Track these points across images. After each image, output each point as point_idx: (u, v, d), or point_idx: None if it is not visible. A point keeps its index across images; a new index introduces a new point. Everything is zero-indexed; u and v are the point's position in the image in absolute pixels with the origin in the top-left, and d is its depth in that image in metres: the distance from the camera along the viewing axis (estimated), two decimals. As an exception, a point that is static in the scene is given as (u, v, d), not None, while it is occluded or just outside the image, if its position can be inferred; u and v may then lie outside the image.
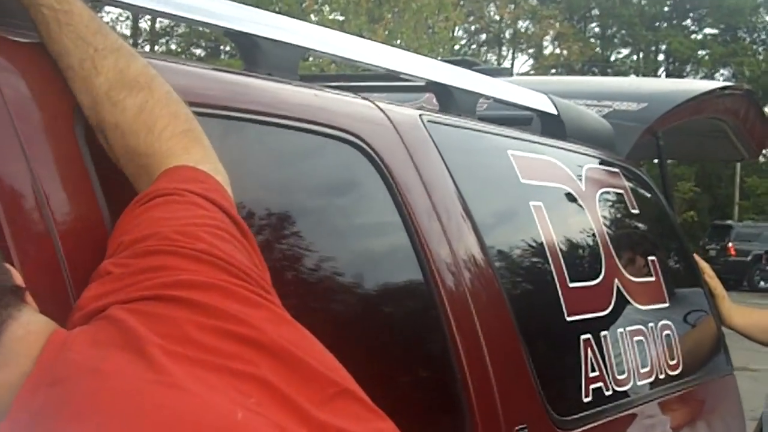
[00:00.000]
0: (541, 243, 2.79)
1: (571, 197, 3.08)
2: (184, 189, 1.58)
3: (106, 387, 1.24)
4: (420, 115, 2.62)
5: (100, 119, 1.65)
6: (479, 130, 2.93)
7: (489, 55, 49.38)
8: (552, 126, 3.41)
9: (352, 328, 2.17)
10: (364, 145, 2.29)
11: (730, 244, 32.83)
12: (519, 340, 2.51)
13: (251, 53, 2.27)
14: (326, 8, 31.00)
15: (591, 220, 3.10)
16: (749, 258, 31.87)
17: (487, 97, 3.25)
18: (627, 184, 3.51)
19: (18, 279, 1.35)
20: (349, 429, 1.33)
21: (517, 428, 2.38)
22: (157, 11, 2.07)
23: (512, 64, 48.54)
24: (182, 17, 2.12)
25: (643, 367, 3.07)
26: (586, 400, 2.74)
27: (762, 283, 30.44)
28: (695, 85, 4.21)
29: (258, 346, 1.36)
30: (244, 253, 1.54)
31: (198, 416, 1.23)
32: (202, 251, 1.46)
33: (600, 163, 3.45)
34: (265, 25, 2.27)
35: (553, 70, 45.93)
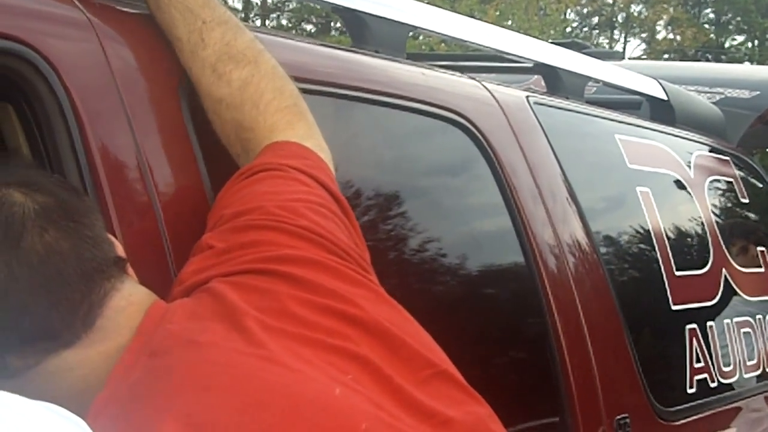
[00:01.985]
0: (648, 230, 2.75)
1: (679, 184, 3.03)
2: (288, 165, 1.57)
3: (203, 359, 1.24)
4: (527, 97, 2.59)
5: (206, 92, 1.66)
6: (587, 114, 2.89)
7: (601, 38, 48.89)
8: (661, 111, 3.37)
9: (452, 310, 2.16)
10: (470, 126, 2.27)
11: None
12: (623, 328, 2.47)
13: (359, 30, 2.26)
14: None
15: (699, 208, 3.04)
16: None
17: (596, 81, 3.21)
18: (737, 172, 3.43)
19: (120, 250, 1.36)
20: (443, 410, 1.31)
21: (618, 418, 2.34)
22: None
23: (624, 49, 48.03)
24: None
25: (750, 359, 3.01)
26: (690, 391, 2.69)
27: None
28: (816, 73, 4.10)
29: (357, 323, 1.35)
30: (344, 231, 1.53)
31: (293, 390, 1.21)
32: (304, 228, 1.45)
33: (710, 151, 3.38)
34: (373, 1, 2.25)
35: (666, 56, 45.34)
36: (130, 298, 1.32)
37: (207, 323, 1.28)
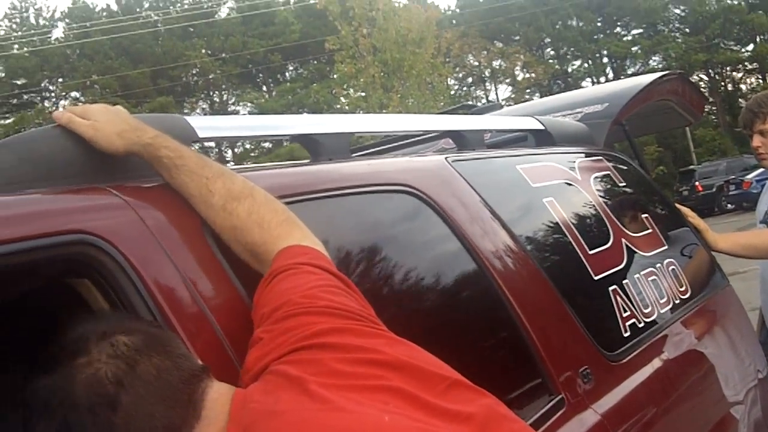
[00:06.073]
0: (560, 226, 2.78)
1: (572, 187, 3.08)
2: (297, 263, 1.62)
3: (283, 422, 1.27)
4: (446, 158, 2.64)
5: (222, 226, 1.70)
6: (490, 157, 2.95)
7: (477, 91, 49.37)
8: (543, 138, 3.42)
9: (440, 320, 2.19)
10: (411, 189, 2.32)
11: (696, 183, 32.99)
12: (563, 302, 2.50)
13: (315, 147, 2.31)
14: (351, 91, 31.34)
15: (592, 200, 3.09)
16: (714, 189, 31.83)
17: (490, 130, 3.28)
18: (610, 164, 3.50)
19: (198, 359, 1.40)
20: (465, 410, 1.35)
21: (581, 370, 2.38)
22: (240, 137, 2.13)
23: (496, 94, 48.45)
24: (260, 135, 2.17)
25: (661, 298, 3.05)
26: (626, 335, 2.72)
27: (728, 206, 30.10)
28: (641, 80, 4.19)
29: (384, 364, 1.39)
30: (352, 299, 1.57)
31: (357, 427, 1.25)
32: (324, 306, 1.50)
33: (586, 156, 3.44)
34: (320, 125, 2.32)
35: (528, 90, 45.89)
36: (219, 391, 1.36)
37: (278, 395, 1.32)
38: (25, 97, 47.44)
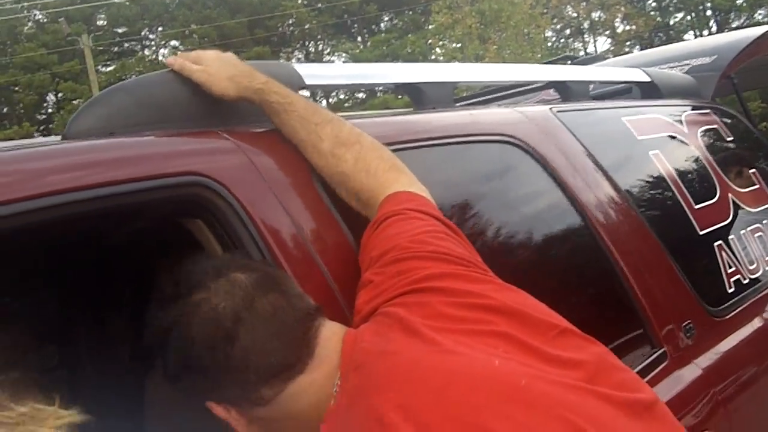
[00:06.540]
0: (665, 179, 2.74)
1: (679, 141, 3.01)
2: (404, 208, 1.62)
3: (394, 362, 1.28)
4: (550, 108, 2.60)
5: (330, 171, 1.72)
6: (597, 108, 2.90)
7: (576, 44, 48.36)
8: (649, 91, 3.36)
9: (546, 271, 2.19)
10: (515, 141, 2.30)
11: (802, 135, 31.63)
12: (667, 257, 2.46)
13: (418, 96, 2.30)
14: (446, 42, 31.14)
15: (699, 154, 3.02)
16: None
17: (595, 82, 3.22)
18: (718, 119, 3.40)
19: (311, 300, 1.42)
20: (574, 357, 1.33)
21: (683, 324, 2.34)
22: (346, 84, 2.13)
23: (595, 46, 47.39)
24: (366, 84, 2.17)
25: (767, 255, 2.97)
26: (730, 291, 2.67)
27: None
28: (751, 32, 4.04)
29: (493, 310, 1.39)
30: (459, 245, 1.57)
31: (467, 370, 1.25)
32: (432, 251, 1.50)
33: (692, 109, 3.35)
34: (423, 74, 2.31)
35: (628, 43, 44.69)
36: (332, 330, 1.38)
37: (389, 336, 1.33)
38: (126, 45, 48.30)
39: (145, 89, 1.74)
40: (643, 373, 2.11)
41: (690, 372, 2.27)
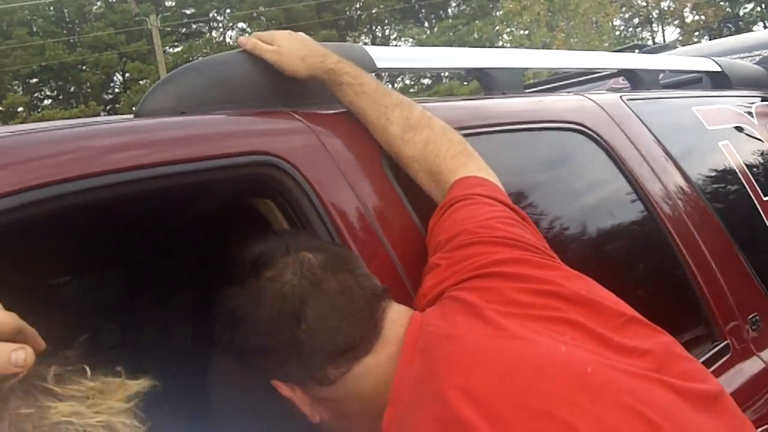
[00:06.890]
0: (735, 171, 2.69)
1: (748, 131, 2.95)
2: (473, 193, 1.61)
3: (459, 346, 1.28)
4: (621, 96, 2.57)
5: (400, 155, 1.72)
6: (666, 97, 2.86)
7: (644, 32, 47.59)
8: (719, 80, 3.30)
9: (612, 262, 2.17)
10: (584, 128, 2.27)
11: None
12: (735, 249, 2.42)
13: (487, 82, 2.29)
14: (514, 28, 30.91)
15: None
16: None
17: (665, 70, 3.17)
18: (789, 110, 3.32)
19: (378, 281, 1.42)
20: (641, 346, 1.32)
21: (750, 317, 2.30)
22: (417, 68, 2.13)
23: (663, 36, 46.60)
24: (436, 68, 2.16)
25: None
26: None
27: None
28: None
29: (561, 296, 1.37)
30: (527, 232, 1.56)
31: (533, 354, 1.25)
32: (501, 237, 1.49)
33: (763, 100, 3.28)
34: (493, 59, 2.29)
35: (696, 33, 43.86)
36: (399, 312, 1.38)
37: (456, 320, 1.33)
38: (194, 26, 48.79)
39: (217, 69, 1.75)
40: (705, 365, 2.08)
41: (753, 365, 2.23)
